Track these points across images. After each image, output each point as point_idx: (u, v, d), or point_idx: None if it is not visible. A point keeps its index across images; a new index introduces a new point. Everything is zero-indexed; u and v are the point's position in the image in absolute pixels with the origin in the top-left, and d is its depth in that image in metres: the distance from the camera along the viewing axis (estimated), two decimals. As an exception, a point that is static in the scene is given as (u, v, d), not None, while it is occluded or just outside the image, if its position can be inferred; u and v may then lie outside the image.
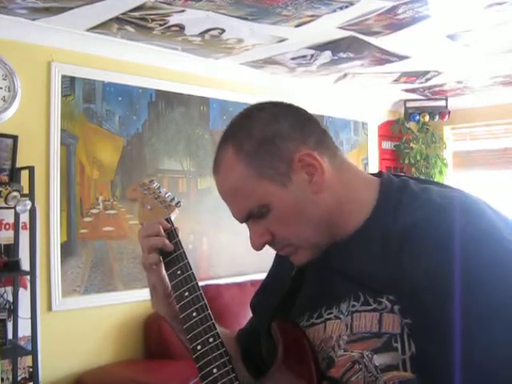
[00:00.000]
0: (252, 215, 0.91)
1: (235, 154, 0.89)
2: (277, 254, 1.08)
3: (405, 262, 0.81)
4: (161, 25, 2.94)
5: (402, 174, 1.10)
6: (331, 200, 0.90)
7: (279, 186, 0.88)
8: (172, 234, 1.07)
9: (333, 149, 0.93)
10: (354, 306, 0.87)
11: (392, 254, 0.83)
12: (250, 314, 1.15)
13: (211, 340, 0.95)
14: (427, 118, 5.00)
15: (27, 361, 2.78)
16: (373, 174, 0.98)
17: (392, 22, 2.95)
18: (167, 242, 1.04)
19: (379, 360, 0.81)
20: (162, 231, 1.05)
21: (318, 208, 0.89)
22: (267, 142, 0.89)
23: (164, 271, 1.05)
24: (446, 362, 0.75)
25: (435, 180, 4.80)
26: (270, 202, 0.88)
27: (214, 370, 0.92)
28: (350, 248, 0.90)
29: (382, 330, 0.82)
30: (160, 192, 1.16)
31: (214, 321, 0.97)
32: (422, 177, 4.87)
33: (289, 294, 1.01)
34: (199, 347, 0.94)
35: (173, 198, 1.14)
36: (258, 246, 0.92)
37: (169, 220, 1.10)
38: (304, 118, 0.94)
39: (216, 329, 0.96)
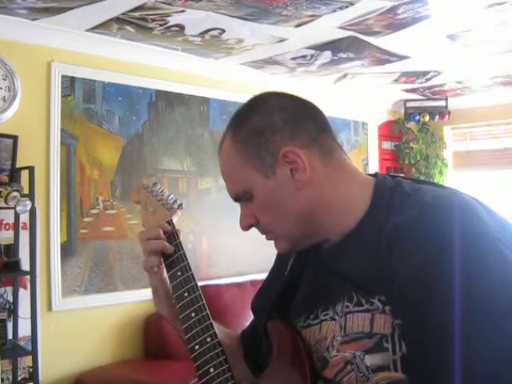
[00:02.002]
0: (239, 198, 0.95)
1: (231, 140, 0.94)
2: (277, 254, 1.09)
3: (393, 261, 0.81)
4: (161, 25, 2.94)
5: (402, 174, 1.11)
6: (315, 197, 0.91)
7: (263, 176, 0.91)
8: (173, 236, 1.08)
9: (329, 147, 0.94)
10: (347, 306, 0.88)
11: (382, 254, 0.83)
12: (250, 314, 1.15)
13: (209, 340, 0.96)
14: (427, 117, 5.00)
15: (27, 361, 2.77)
16: (369, 175, 0.98)
17: (392, 22, 2.95)
18: (167, 244, 1.05)
19: (370, 360, 0.82)
20: (162, 234, 1.06)
21: (298, 204, 0.91)
22: (258, 133, 0.92)
23: (165, 273, 1.07)
24: (437, 363, 0.74)
25: (432, 180, 4.81)
26: (252, 190, 0.93)
27: (211, 370, 0.94)
28: (344, 248, 0.91)
29: (374, 331, 0.83)
30: (163, 194, 1.18)
31: (211, 321, 0.99)
32: (422, 177, 4.86)
33: (284, 294, 1.01)
34: (197, 347, 0.96)
35: (175, 201, 1.16)
36: (243, 227, 0.97)
37: (170, 222, 1.11)
38: (302, 113, 0.95)
39: (213, 329, 0.98)
